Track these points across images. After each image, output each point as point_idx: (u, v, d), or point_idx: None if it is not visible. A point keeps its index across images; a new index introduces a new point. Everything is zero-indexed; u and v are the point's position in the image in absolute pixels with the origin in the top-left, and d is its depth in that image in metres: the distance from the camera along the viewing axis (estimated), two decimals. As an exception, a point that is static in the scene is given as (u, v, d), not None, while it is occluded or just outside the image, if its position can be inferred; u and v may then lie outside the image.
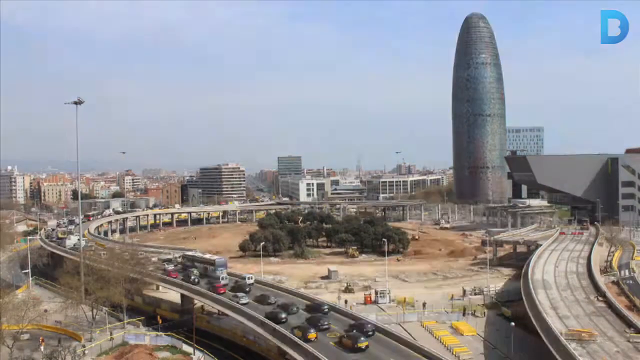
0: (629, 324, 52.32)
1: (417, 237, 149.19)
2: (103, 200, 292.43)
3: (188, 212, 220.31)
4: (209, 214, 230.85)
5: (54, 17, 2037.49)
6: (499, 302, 75.86)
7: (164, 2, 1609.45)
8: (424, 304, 74.33)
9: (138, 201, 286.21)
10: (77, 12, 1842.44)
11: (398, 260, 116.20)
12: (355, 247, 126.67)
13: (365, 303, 78.46)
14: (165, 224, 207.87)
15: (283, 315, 57.70)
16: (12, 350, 55.47)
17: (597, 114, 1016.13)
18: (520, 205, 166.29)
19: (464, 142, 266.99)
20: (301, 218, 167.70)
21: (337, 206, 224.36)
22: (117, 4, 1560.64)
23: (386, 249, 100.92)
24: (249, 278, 75.95)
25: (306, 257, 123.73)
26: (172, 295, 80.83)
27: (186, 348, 59.51)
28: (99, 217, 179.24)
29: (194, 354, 57.35)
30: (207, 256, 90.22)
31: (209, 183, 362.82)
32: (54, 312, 70.54)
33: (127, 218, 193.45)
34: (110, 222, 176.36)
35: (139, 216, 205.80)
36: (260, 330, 55.61)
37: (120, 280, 69.29)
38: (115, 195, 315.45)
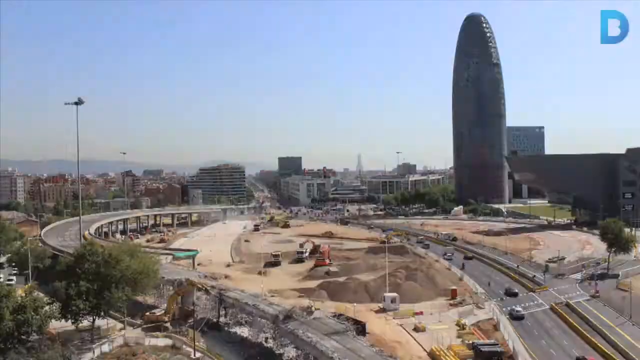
0: None
1: None
2: (103, 201, 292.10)
3: (188, 213, 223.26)
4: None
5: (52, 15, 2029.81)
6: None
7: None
8: None
9: (139, 201, 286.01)
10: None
11: None
12: None
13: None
14: (164, 224, 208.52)
15: None
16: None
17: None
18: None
19: (464, 141, 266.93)
20: None
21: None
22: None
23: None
24: None
25: None
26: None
27: (186, 348, 59.34)
28: None
29: (194, 355, 57.18)
30: None
31: (209, 183, 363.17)
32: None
33: (127, 219, 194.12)
34: (110, 223, 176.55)
35: (139, 217, 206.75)
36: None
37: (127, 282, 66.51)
38: (116, 196, 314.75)
